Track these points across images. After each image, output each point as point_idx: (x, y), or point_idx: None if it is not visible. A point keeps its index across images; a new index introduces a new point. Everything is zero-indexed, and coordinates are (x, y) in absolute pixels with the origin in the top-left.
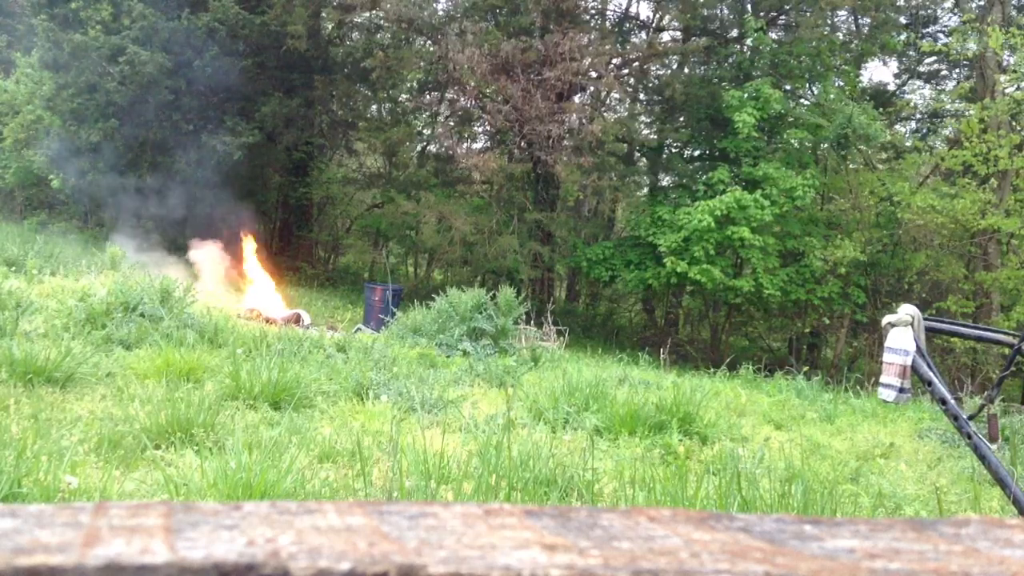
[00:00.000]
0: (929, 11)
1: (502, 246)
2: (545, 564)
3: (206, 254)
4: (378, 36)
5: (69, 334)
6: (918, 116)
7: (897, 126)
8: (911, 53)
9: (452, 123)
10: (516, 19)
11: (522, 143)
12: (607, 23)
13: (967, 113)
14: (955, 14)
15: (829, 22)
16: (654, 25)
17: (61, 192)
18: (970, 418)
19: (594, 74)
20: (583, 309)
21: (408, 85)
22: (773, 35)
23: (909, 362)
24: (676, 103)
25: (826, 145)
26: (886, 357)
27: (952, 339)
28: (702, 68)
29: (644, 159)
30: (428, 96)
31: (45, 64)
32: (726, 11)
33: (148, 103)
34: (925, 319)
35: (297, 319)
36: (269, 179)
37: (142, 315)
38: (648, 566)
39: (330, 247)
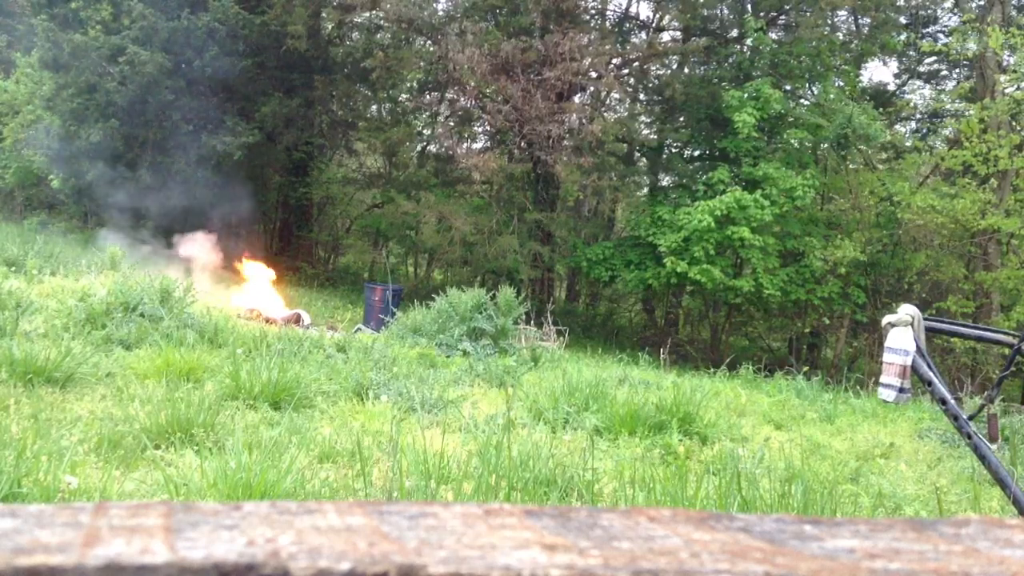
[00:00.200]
0: (929, 11)
1: (502, 246)
2: (545, 564)
3: (198, 248)
4: (378, 36)
5: (69, 334)
6: (918, 116)
7: (897, 126)
8: (911, 53)
9: (452, 123)
10: (516, 19)
11: (522, 143)
12: (607, 23)
13: (967, 113)
14: (955, 14)
15: (829, 22)
16: (654, 25)
17: (61, 192)
18: (970, 418)
19: (594, 74)
20: (583, 309)
21: (408, 85)
22: (773, 35)
23: (909, 362)
24: (676, 103)
25: (826, 145)
26: (886, 357)
27: (952, 339)
28: (702, 68)
29: (644, 159)
30: (428, 96)
31: (45, 64)
32: (726, 11)
33: (148, 103)
34: (925, 319)
35: (297, 319)
36: (269, 179)
37: (142, 315)
38: (648, 566)
39: (330, 247)
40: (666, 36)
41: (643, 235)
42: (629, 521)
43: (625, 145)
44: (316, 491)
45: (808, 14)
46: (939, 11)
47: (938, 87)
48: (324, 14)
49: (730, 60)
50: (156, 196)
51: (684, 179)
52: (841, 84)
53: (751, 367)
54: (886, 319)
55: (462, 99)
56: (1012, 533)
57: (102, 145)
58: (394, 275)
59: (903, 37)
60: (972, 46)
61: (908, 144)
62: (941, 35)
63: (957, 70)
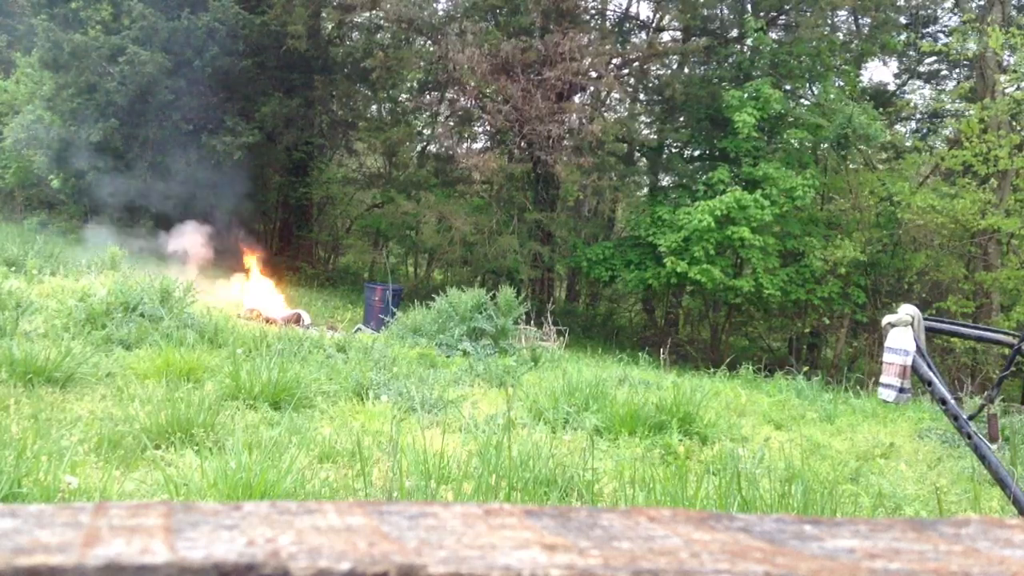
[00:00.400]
0: (929, 11)
1: (502, 246)
2: (545, 564)
3: (190, 240)
4: (378, 36)
5: (69, 334)
6: (918, 116)
7: (897, 126)
8: (911, 53)
9: (452, 123)
10: (516, 19)
11: (522, 143)
12: (607, 23)
13: (967, 113)
14: (955, 14)
15: (829, 22)
16: (654, 25)
17: (61, 192)
18: (970, 418)
19: (594, 74)
20: (583, 309)
21: (408, 85)
22: (773, 35)
23: (909, 362)
24: (676, 103)
25: (826, 145)
26: (886, 357)
27: (952, 339)
28: (702, 68)
29: (644, 159)
30: (428, 96)
31: (45, 64)
32: (726, 11)
33: (148, 103)
34: (925, 319)
35: (297, 319)
36: (269, 179)
37: (142, 315)
38: (648, 566)
39: (330, 247)
40: (666, 36)
41: (643, 235)
42: (629, 521)
43: (625, 145)
44: (316, 491)
45: (808, 14)
46: (939, 11)
47: (938, 87)
48: (324, 14)
49: (730, 60)
50: (156, 196)
51: (684, 179)
52: (841, 84)
53: (751, 367)
54: (886, 319)
55: (462, 99)
56: (1012, 533)
57: (102, 145)
58: (394, 275)
59: (903, 37)
60: (972, 46)
61: (908, 144)
62: (941, 35)
63: (957, 70)
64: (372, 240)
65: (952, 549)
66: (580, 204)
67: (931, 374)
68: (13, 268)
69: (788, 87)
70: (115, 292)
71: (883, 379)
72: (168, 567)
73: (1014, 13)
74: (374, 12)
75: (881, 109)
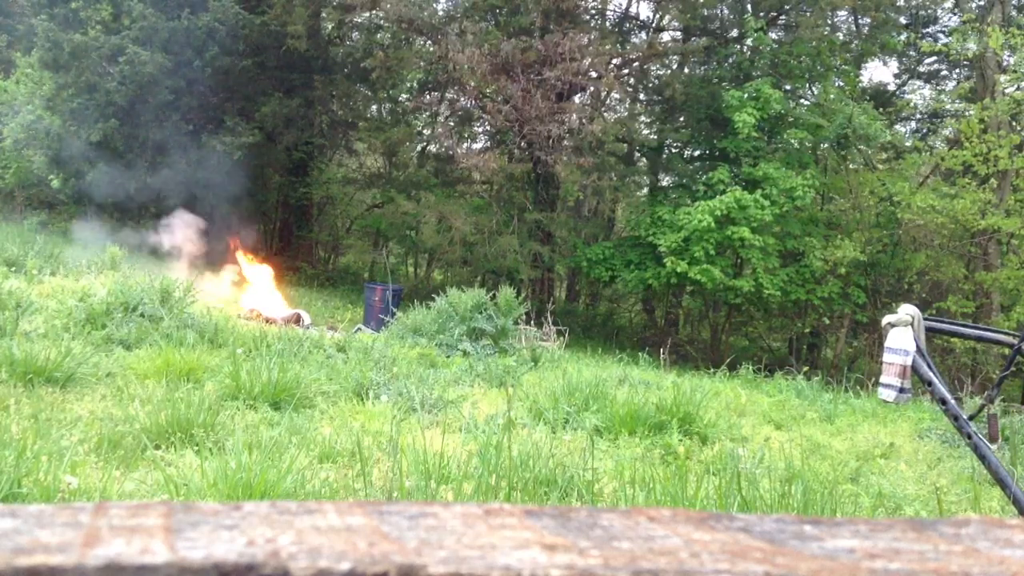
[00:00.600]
0: (929, 11)
1: (502, 246)
2: (545, 564)
3: (182, 233)
4: (378, 36)
5: (69, 334)
6: (918, 116)
7: (897, 126)
8: (911, 53)
9: (452, 123)
10: (516, 19)
11: (522, 143)
12: (607, 23)
13: (967, 113)
14: (955, 14)
15: (829, 22)
16: (654, 25)
17: (61, 192)
18: (970, 418)
19: (594, 74)
20: (583, 309)
21: (408, 85)
22: (773, 35)
23: (909, 362)
24: (676, 103)
25: (826, 145)
26: (886, 357)
27: (952, 339)
28: (702, 68)
29: (644, 159)
30: (428, 96)
31: (45, 64)
32: (726, 11)
33: (148, 103)
34: (925, 319)
35: (297, 319)
36: (269, 179)
37: (142, 315)
38: (648, 566)
39: (330, 247)
40: (666, 36)
41: (643, 235)
42: (629, 521)
43: (625, 145)
44: (316, 491)
45: (808, 14)
46: (939, 11)
47: (938, 87)
48: (324, 14)
49: (730, 60)
50: (156, 196)
51: (684, 179)
52: (841, 84)
53: (751, 367)
54: (886, 319)
55: (462, 99)
56: (1012, 533)
57: (102, 145)
58: (394, 275)
59: (903, 37)
60: (972, 46)
61: (908, 144)
62: (941, 35)
63: (957, 70)
64: (372, 240)
65: (952, 549)
66: (580, 204)
67: (931, 374)
68: (13, 268)
69: (788, 87)
70: (115, 292)
71: (883, 379)
72: (168, 567)
73: (1014, 13)
74: (374, 12)
75: (881, 109)
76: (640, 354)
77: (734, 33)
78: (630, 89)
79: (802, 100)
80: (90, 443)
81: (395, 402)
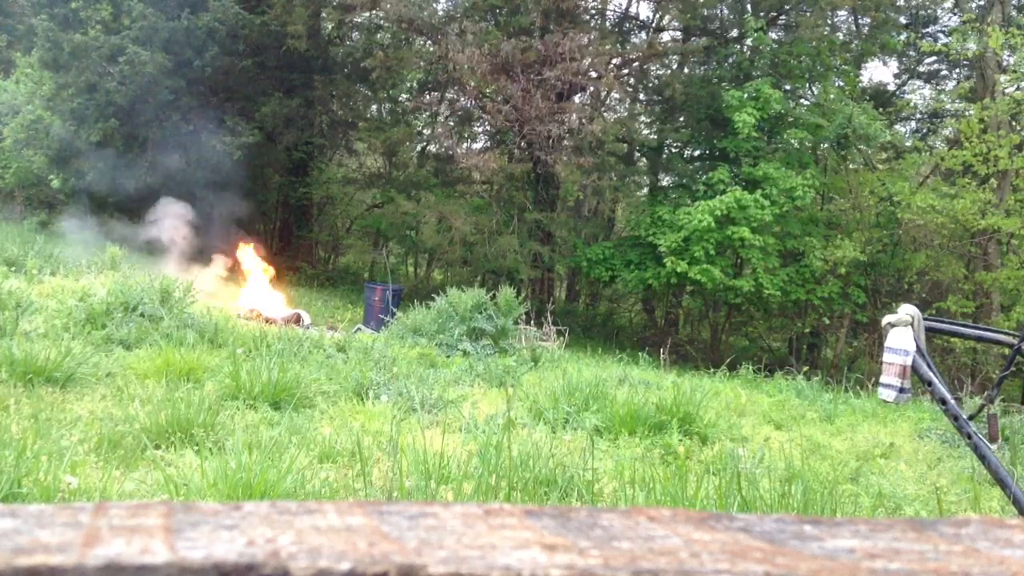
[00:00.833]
0: (929, 11)
1: (502, 246)
2: (545, 564)
3: (172, 225)
4: (378, 36)
5: (69, 334)
6: (918, 116)
7: (897, 126)
8: (911, 53)
9: (452, 123)
10: (516, 19)
11: (522, 143)
12: (607, 23)
13: (967, 113)
14: (955, 14)
15: (829, 22)
16: (654, 25)
17: (61, 192)
18: (970, 418)
19: (594, 74)
20: (583, 309)
21: (408, 85)
22: (773, 35)
23: (909, 362)
24: (676, 103)
25: (826, 145)
26: (886, 357)
27: (952, 339)
28: (702, 68)
29: (644, 159)
30: (428, 96)
31: (45, 64)
32: (726, 11)
33: (148, 103)
34: (925, 319)
35: (297, 319)
36: (269, 179)
37: (142, 315)
38: (648, 566)
39: (330, 247)
40: (666, 36)
41: (643, 235)
42: (629, 521)
43: (625, 145)
44: (316, 491)
45: (808, 14)
46: (939, 11)
47: (938, 87)
48: (324, 14)
49: (730, 60)
50: (155, 195)
51: (684, 179)
52: (841, 84)
53: (751, 367)
54: (886, 319)
55: (462, 99)
56: (1012, 533)
57: (102, 145)
58: (394, 275)
59: (903, 37)
60: (972, 46)
61: (908, 144)
62: (941, 35)
63: (957, 70)
64: (372, 240)
65: (952, 549)
66: (580, 204)
67: (931, 374)
68: (13, 268)
69: (788, 87)
70: (115, 292)
71: (883, 379)
72: (168, 567)
73: (1014, 13)
74: (374, 12)
75: (881, 109)
76: (640, 354)
77: (734, 33)
78: (630, 89)
79: (802, 100)
80: (90, 443)
81: (395, 402)
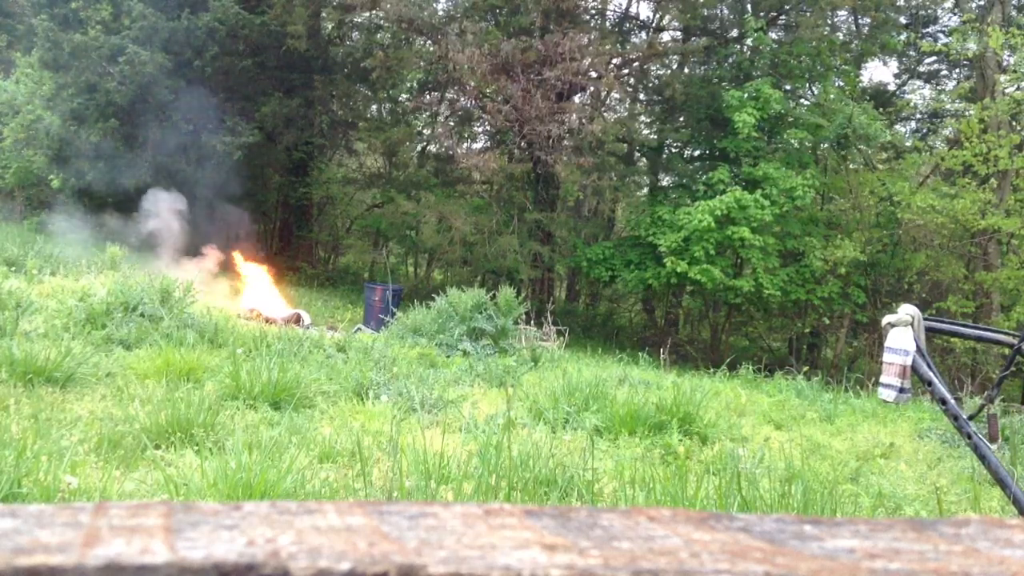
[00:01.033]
0: (929, 11)
1: (502, 246)
2: (545, 564)
3: (165, 217)
4: (378, 36)
5: (69, 334)
6: (918, 116)
7: (897, 126)
8: (911, 53)
9: (452, 123)
10: (516, 19)
11: (522, 143)
12: (607, 23)
13: (967, 113)
14: (955, 14)
15: (829, 22)
16: (654, 25)
17: (61, 192)
18: (970, 418)
19: (594, 74)
20: (583, 309)
21: (408, 85)
22: (773, 35)
23: (909, 362)
24: (676, 103)
25: (826, 145)
26: (886, 357)
27: (952, 339)
28: (702, 68)
29: (644, 159)
30: (428, 96)
31: (45, 64)
32: (726, 11)
33: (148, 103)
34: (925, 319)
35: (297, 319)
36: (269, 179)
37: (142, 315)
38: (648, 566)
39: (330, 247)
40: (666, 36)
41: (643, 235)
42: (629, 521)
43: (625, 145)
44: (316, 491)
45: (808, 14)
46: (939, 11)
47: (938, 87)
48: (324, 14)
49: (730, 60)
50: (155, 196)
51: (684, 179)
52: (841, 84)
53: (751, 367)
54: (886, 319)
55: (462, 99)
56: (1012, 533)
57: (102, 145)
58: (394, 275)
59: (903, 37)
60: (972, 46)
61: (908, 144)
62: (941, 35)
63: (957, 70)
64: (372, 240)
65: (952, 549)
66: (580, 204)
67: (931, 374)
68: (13, 268)
69: (788, 87)
70: (115, 292)
71: (883, 379)
72: (168, 567)
73: (1014, 13)
74: (374, 12)
75: (881, 109)
76: (640, 354)
77: (734, 33)
78: (630, 89)
79: (802, 100)
80: (90, 443)
81: (395, 402)
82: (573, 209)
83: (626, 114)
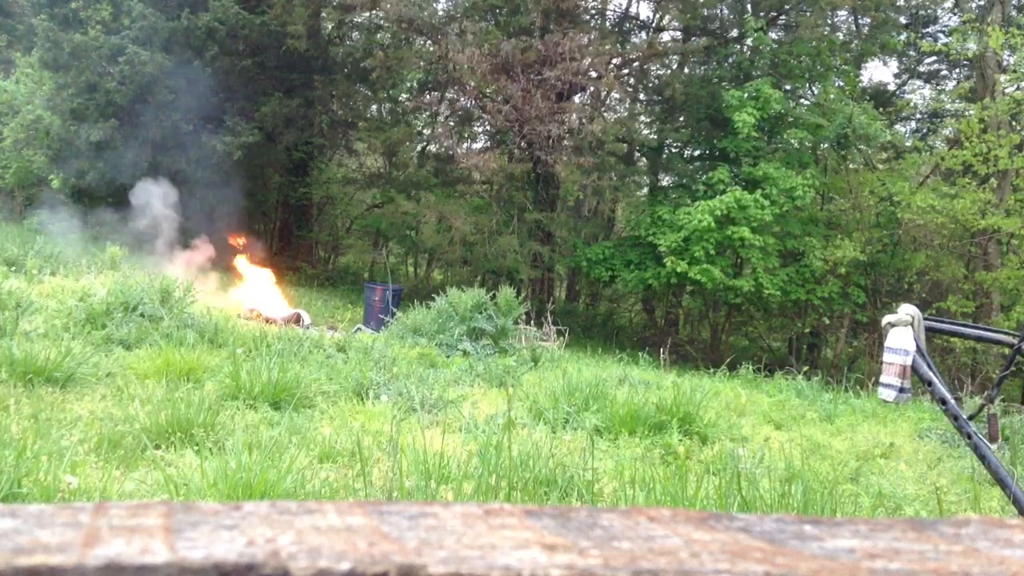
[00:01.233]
0: (929, 11)
1: (502, 246)
2: (545, 564)
3: (154, 203)
4: (378, 36)
5: (69, 334)
6: (918, 116)
7: (897, 126)
8: (911, 53)
9: (452, 123)
10: (516, 19)
11: (522, 143)
12: (607, 23)
13: (967, 113)
14: (955, 14)
15: (829, 22)
16: (654, 25)
17: (61, 192)
18: (970, 418)
19: (594, 74)
20: (583, 309)
21: (408, 85)
22: (773, 35)
23: (909, 362)
24: (676, 103)
25: (826, 145)
26: (886, 357)
27: (952, 339)
28: (702, 68)
29: (644, 159)
30: (428, 96)
31: (45, 64)
32: (726, 11)
33: (148, 103)
34: (925, 319)
35: (297, 319)
36: (269, 179)
37: (142, 315)
38: (648, 566)
39: (330, 247)
40: (666, 36)
41: (643, 235)
42: (629, 521)
43: (625, 145)
44: (316, 491)
45: (808, 14)
46: (939, 11)
47: (938, 87)
48: (324, 14)
49: (730, 60)
50: (156, 196)
51: (684, 179)
52: (841, 84)
53: (751, 367)
54: (886, 319)
55: (462, 99)
56: (1012, 533)
57: (102, 145)
58: (394, 275)
59: (903, 37)
60: (972, 46)
61: (908, 144)
62: (941, 35)
63: (957, 70)
64: (372, 240)
65: (952, 549)
66: (580, 204)
67: (931, 374)
68: (13, 268)
69: (788, 87)
70: (115, 292)
71: (883, 379)
72: (168, 567)
73: (1014, 13)
74: (374, 12)
75: (881, 109)
76: (640, 354)
77: (734, 33)
78: (630, 89)
79: (802, 100)
80: (90, 443)
81: (395, 402)
82: (573, 209)
83: (626, 114)
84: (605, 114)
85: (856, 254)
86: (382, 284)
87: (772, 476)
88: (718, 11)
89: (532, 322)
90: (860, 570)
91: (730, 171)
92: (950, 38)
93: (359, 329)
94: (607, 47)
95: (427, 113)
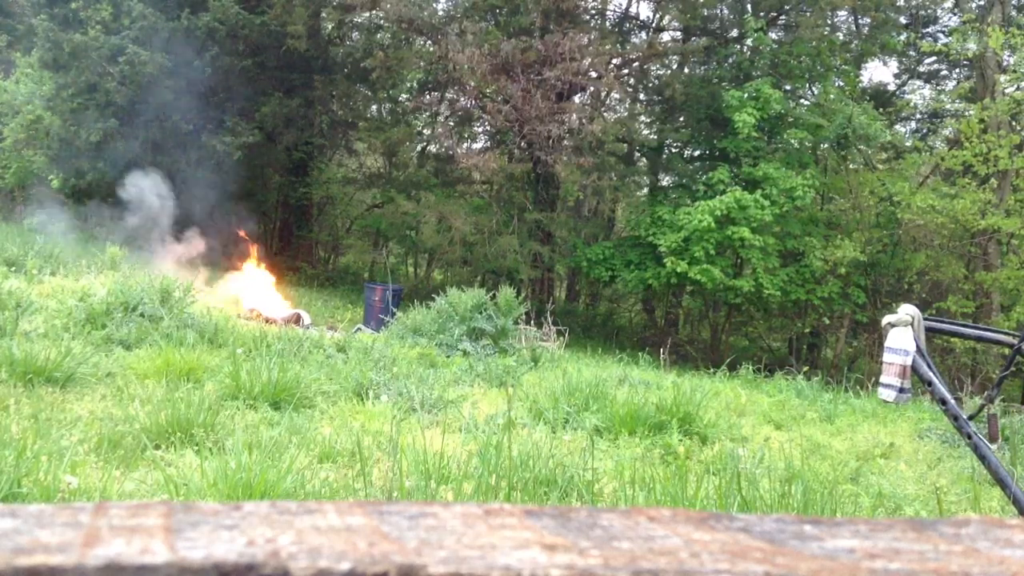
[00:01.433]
0: (929, 11)
1: (502, 246)
2: (545, 564)
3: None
4: (378, 36)
5: (69, 334)
6: (918, 116)
7: (897, 126)
8: (911, 53)
9: (452, 123)
10: (516, 19)
11: (522, 143)
12: (607, 23)
13: (967, 113)
14: (955, 14)
15: (829, 22)
16: (654, 25)
17: (61, 192)
18: (970, 418)
19: (594, 74)
20: (583, 309)
21: (408, 85)
22: (773, 35)
23: (909, 362)
24: (676, 103)
25: (826, 145)
26: (886, 357)
27: (952, 339)
28: (702, 68)
29: (644, 159)
30: (428, 96)
31: (45, 64)
32: (726, 11)
33: (148, 103)
34: (925, 319)
35: (297, 319)
36: (269, 179)
37: (142, 315)
38: (648, 566)
39: (330, 247)
40: (666, 36)
41: (643, 235)
42: (629, 521)
43: (625, 145)
44: (316, 491)
45: (808, 14)
46: (939, 11)
47: (938, 87)
48: (324, 14)
49: (730, 60)
50: (155, 196)
51: (684, 179)
52: (841, 84)
53: (751, 367)
54: (886, 319)
55: (462, 99)
56: (1012, 533)
57: (102, 145)
58: (394, 275)
59: (903, 37)
60: (972, 46)
61: (908, 144)
62: (941, 35)
63: (957, 70)
64: (372, 240)
65: (952, 549)
66: (580, 204)
67: (931, 374)
68: (13, 268)
69: (788, 87)
70: (115, 292)
71: (883, 379)
72: (168, 567)
73: (1014, 13)
74: (374, 12)
75: (881, 109)
76: (640, 354)
77: (734, 33)
78: (630, 89)
79: (802, 100)
80: (90, 443)
81: (395, 402)
82: (573, 209)
83: (626, 114)
84: (605, 114)
85: (856, 254)
86: (382, 284)
87: (772, 476)
88: (718, 11)
89: (532, 322)
90: (860, 570)
91: (730, 171)
92: (950, 38)
93: (359, 329)
94: (607, 47)
95: (427, 113)
